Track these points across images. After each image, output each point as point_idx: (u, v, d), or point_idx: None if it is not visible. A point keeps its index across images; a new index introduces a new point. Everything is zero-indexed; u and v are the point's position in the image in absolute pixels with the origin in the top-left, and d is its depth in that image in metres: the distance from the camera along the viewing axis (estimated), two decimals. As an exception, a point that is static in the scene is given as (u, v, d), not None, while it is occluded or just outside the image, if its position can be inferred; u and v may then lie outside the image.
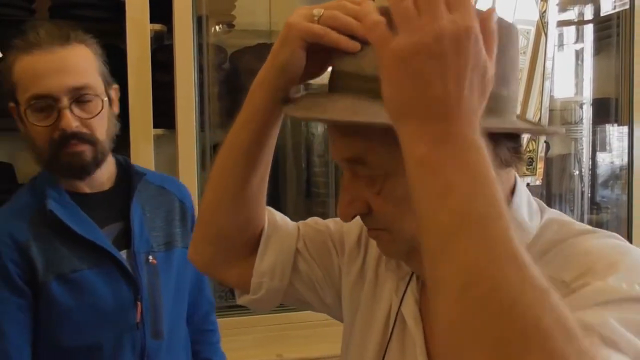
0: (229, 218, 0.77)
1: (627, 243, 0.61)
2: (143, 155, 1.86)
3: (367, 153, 0.60)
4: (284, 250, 0.81)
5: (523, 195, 0.67)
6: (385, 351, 0.74)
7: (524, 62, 2.33)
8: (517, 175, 0.68)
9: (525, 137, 2.34)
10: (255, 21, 2.34)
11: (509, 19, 2.25)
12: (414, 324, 0.71)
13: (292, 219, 0.87)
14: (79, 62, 1.08)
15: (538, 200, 0.70)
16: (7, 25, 1.99)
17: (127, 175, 1.22)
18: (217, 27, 2.23)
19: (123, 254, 1.16)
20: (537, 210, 0.67)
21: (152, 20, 1.91)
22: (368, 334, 0.77)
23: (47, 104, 1.05)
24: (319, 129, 2.30)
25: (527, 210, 0.65)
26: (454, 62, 0.46)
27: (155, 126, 1.87)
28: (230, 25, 2.27)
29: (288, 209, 2.24)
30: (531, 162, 2.36)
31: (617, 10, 2.56)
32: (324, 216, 0.90)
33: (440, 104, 0.47)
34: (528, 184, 2.37)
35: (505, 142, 0.62)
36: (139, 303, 1.14)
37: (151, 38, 1.93)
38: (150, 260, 1.17)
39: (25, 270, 1.07)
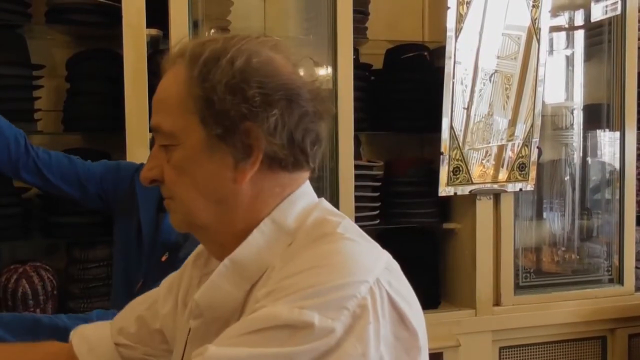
0: None
1: (345, 248, 0.67)
2: (139, 159, 1.86)
3: (162, 124, 0.72)
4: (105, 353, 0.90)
5: (299, 198, 0.74)
6: (186, 343, 0.79)
7: (515, 67, 2.36)
8: (305, 181, 0.76)
9: (517, 143, 2.37)
10: (249, 26, 2.35)
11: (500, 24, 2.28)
12: None
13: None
14: None
15: (321, 203, 0.76)
16: (3, 29, 2.00)
17: None
18: (211, 31, 2.24)
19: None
20: (308, 210, 0.74)
21: (148, 25, 1.92)
22: (175, 336, 0.84)
23: None
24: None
25: (295, 212, 0.73)
26: None
27: (152, 131, 1.88)
28: (225, 30, 2.28)
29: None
30: (524, 167, 2.39)
31: (608, 15, 2.59)
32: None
33: None
34: (520, 189, 2.40)
35: (271, 140, 0.69)
36: (141, 279, 1.33)
37: (147, 43, 1.94)
38: (163, 257, 1.32)
39: (112, 194, 1.45)
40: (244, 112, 0.68)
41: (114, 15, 1.94)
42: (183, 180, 0.72)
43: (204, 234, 0.76)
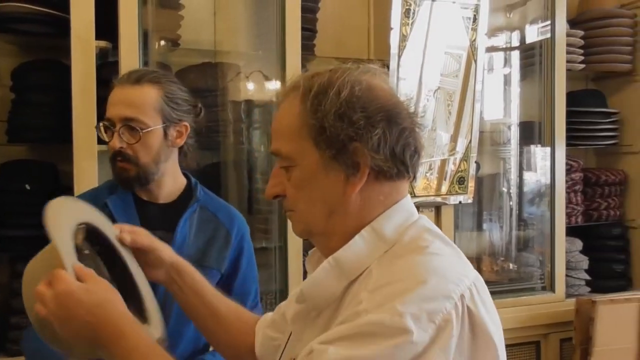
0: None
1: (439, 262, 0.80)
2: (87, 171, 1.86)
3: (281, 149, 0.86)
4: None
5: (398, 211, 0.86)
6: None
7: (456, 85, 2.48)
8: (407, 194, 0.88)
9: (457, 157, 2.48)
10: (200, 40, 2.38)
11: (441, 43, 2.39)
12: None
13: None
14: (139, 99, 1.34)
15: (418, 218, 0.88)
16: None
17: (190, 196, 1.43)
18: (161, 44, 2.25)
19: None
20: (407, 225, 0.86)
21: (97, 36, 1.91)
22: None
23: (110, 125, 1.35)
24: (262, 148, 2.36)
25: (393, 224, 0.85)
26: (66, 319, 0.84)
27: (100, 142, 1.87)
28: (175, 44, 2.30)
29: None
30: (463, 181, 2.50)
31: (540, 38, 2.75)
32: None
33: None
34: (460, 202, 2.51)
35: (374, 153, 0.82)
36: None
37: (96, 55, 1.93)
38: None
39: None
40: (351, 134, 0.81)
41: (63, 26, 1.94)
42: (302, 195, 0.85)
43: (320, 240, 0.89)
